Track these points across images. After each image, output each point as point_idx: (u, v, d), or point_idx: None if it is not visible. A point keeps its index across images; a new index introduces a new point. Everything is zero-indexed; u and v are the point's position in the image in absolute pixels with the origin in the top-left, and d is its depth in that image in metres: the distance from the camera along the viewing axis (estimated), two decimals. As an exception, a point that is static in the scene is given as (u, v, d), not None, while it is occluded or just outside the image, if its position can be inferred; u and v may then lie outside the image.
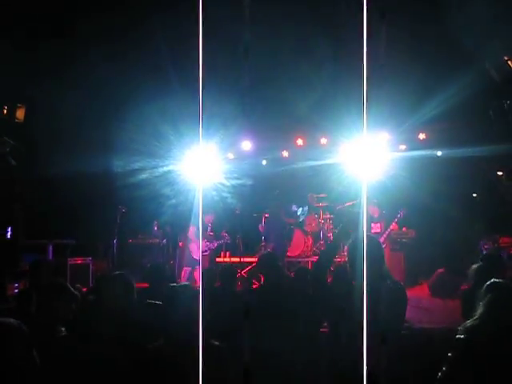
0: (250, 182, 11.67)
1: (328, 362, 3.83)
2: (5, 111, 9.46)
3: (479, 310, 3.28)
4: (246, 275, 11.31)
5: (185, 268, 11.08)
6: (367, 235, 3.54)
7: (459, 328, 3.26)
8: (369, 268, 3.17)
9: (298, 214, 12.94)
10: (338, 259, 8.56)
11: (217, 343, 3.32)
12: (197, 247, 11.12)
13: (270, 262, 5.56)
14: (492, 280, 3.44)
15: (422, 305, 8.69)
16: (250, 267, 11.33)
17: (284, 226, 12.02)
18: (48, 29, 8.89)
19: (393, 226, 11.28)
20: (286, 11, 8.56)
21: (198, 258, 11.03)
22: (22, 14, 8.41)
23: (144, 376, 3.25)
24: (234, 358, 3.37)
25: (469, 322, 3.25)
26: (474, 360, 3.11)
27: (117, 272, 4.13)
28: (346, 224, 3.94)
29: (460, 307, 5.12)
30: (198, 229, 11.01)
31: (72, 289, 4.06)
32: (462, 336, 3.17)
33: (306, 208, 12.92)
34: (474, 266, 5.35)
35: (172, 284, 3.69)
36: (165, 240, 12.31)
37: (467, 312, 3.71)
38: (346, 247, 3.95)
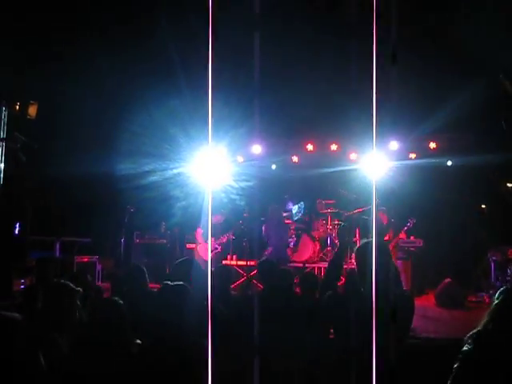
0: (259, 185, 11.66)
1: (335, 366, 3.81)
2: (17, 107, 9.51)
3: (485, 318, 3.16)
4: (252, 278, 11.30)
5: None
6: (375, 241, 3.53)
7: (465, 338, 3.16)
8: (377, 274, 3.16)
9: (294, 212, 12.79)
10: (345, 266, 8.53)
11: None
12: (205, 248, 11.14)
13: (268, 269, 5.55)
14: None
15: (428, 314, 8.66)
16: (256, 271, 11.31)
17: (285, 228, 11.88)
18: (60, 30, 8.95)
19: (401, 234, 11.26)
20: (297, 17, 8.58)
21: (206, 259, 11.05)
22: (34, 14, 8.46)
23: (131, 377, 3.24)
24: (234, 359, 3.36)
25: (474, 332, 3.14)
26: (478, 373, 3.02)
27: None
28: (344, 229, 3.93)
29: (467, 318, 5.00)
30: (205, 231, 11.04)
31: (72, 285, 4.07)
32: (466, 347, 3.10)
33: (302, 205, 12.81)
34: None
35: (166, 282, 3.67)
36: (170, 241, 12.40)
37: None
38: (353, 254, 3.92)
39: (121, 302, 3.66)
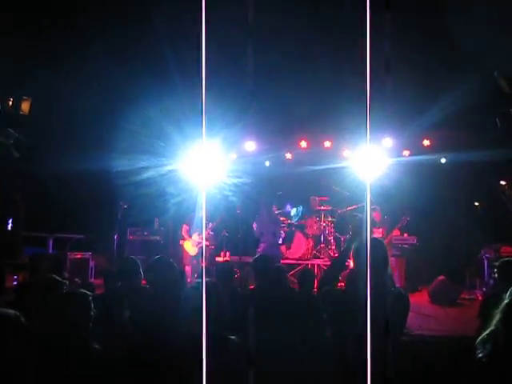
0: (252, 182, 11.65)
1: (330, 363, 3.81)
2: (10, 103, 9.46)
3: (495, 318, 3.08)
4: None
5: (186, 266, 11.10)
6: (373, 238, 3.52)
7: (476, 343, 3.06)
8: (373, 271, 3.14)
9: (292, 214, 12.78)
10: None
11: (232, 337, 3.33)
12: (190, 245, 11.14)
13: (263, 266, 5.57)
14: None
15: (421, 311, 8.67)
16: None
17: (276, 225, 11.82)
18: (55, 27, 8.92)
19: (394, 231, 11.28)
20: (289, 14, 8.57)
21: (191, 255, 11.09)
22: (29, 11, 8.43)
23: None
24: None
25: (485, 334, 3.05)
26: (498, 378, 2.93)
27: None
28: (356, 229, 3.93)
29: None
30: (191, 227, 11.06)
31: (58, 278, 4.07)
32: (480, 353, 2.98)
33: (301, 208, 12.80)
34: None
35: (198, 280, 3.70)
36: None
37: None
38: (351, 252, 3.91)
39: (89, 295, 3.65)
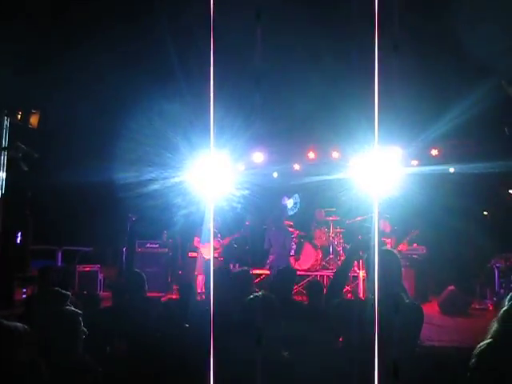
0: (260, 193, 11.65)
1: (340, 371, 3.78)
2: (19, 117, 9.51)
3: (493, 326, 3.02)
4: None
5: (199, 275, 11.08)
6: (385, 249, 3.50)
7: (474, 352, 2.99)
8: (387, 282, 3.11)
9: (289, 206, 12.55)
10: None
11: None
12: (206, 250, 11.13)
13: (287, 277, 5.62)
14: None
15: (431, 322, 8.61)
16: (258, 279, 11.31)
17: (287, 236, 11.78)
18: (63, 40, 8.96)
19: (401, 246, 11.23)
20: (297, 24, 8.58)
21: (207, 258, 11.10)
22: (36, 21, 8.46)
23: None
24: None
25: (483, 344, 2.98)
26: None
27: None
28: (358, 240, 3.90)
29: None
30: (202, 239, 11.08)
31: (62, 290, 4.05)
32: (473, 361, 2.92)
33: (297, 198, 12.65)
34: None
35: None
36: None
37: None
38: (361, 261, 3.90)
39: (78, 313, 3.62)
